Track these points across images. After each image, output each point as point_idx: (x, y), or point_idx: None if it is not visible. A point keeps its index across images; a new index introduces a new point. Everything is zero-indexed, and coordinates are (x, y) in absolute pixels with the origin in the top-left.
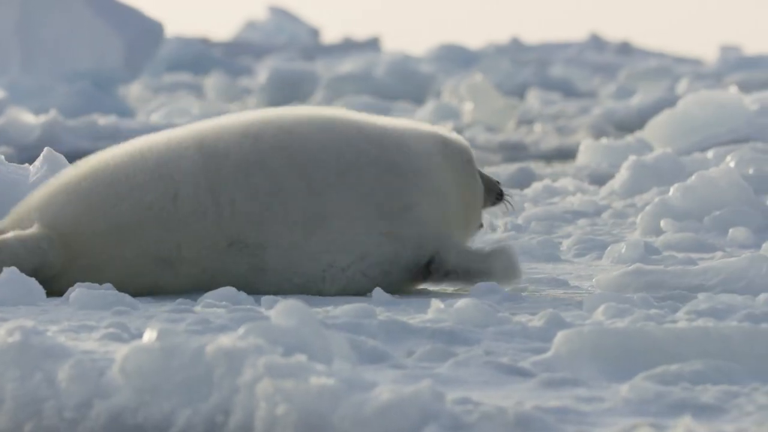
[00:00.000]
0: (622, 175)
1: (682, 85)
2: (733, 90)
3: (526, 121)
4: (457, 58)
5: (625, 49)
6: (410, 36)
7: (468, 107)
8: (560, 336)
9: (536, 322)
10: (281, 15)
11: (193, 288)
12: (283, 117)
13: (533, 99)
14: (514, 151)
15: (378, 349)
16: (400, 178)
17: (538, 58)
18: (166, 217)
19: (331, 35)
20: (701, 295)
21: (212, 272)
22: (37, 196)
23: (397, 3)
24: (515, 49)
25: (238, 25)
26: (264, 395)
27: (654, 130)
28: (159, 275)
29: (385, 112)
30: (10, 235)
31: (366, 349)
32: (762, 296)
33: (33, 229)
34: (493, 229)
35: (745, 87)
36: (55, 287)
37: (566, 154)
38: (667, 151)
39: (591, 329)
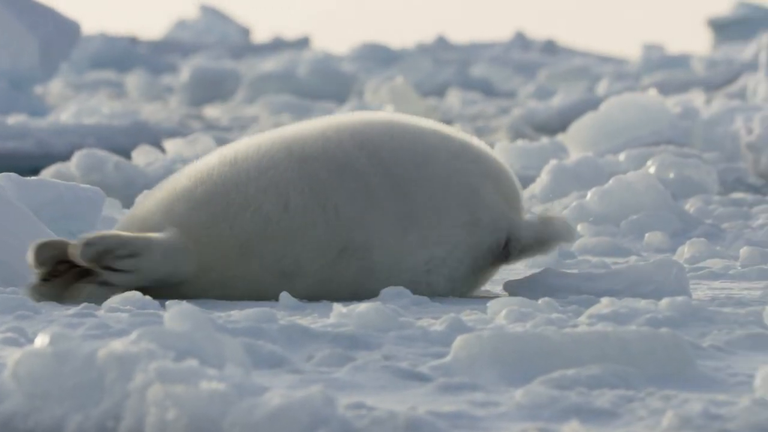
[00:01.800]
0: (543, 179)
1: (602, 86)
2: (652, 92)
3: (446, 122)
4: (379, 58)
5: (550, 47)
6: (341, 35)
7: (389, 109)
8: (459, 340)
9: (438, 326)
10: (212, 14)
11: (308, 298)
12: (353, 119)
13: (453, 99)
14: None
15: (276, 354)
16: (463, 165)
17: (462, 57)
18: (285, 228)
19: (261, 35)
20: (604, 300)
21: (325, 281)
22: (157, 202)
23: (328, 2)
24: (440, 48)
25: (168, 24)
26: (154, 400)
27: (576, 132)
28: (280, 290)
29: (307, 111)
30: (156, 237)
31: (264, 353)
32: (665, 300)
33: (170, 235)
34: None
35: (666, 86)
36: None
37: None
38: (588, 155)
39: (490, 334)
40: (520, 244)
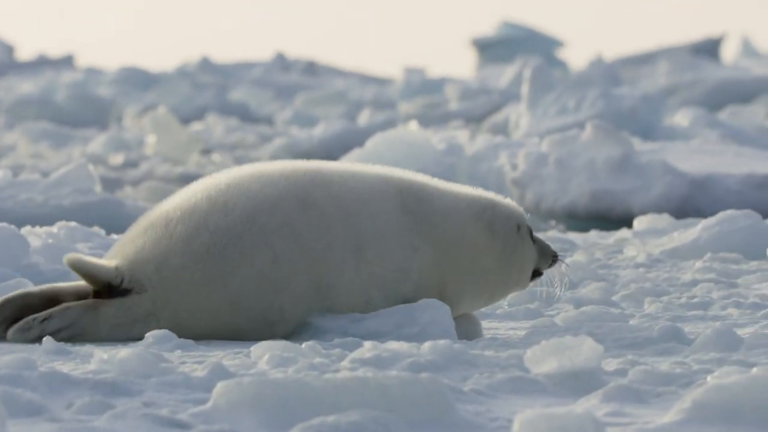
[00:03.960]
0: None
1: (363, 116)
2: (414, 126)
3: (207, 151)
4: (138, 81)
5: (311, 69)
6: (106, 53)
7: (151, 139)
8: (219, 387)
9: (200, 372)
10: None
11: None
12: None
13: (213, 125)
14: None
15: (35, 402)
16: (418, 220)
17: (222, 80)
18: (273, 280)
19: (26, 52)
20: (367, 344)
21: (299, 324)
22: (152, 250)
23: (94, 19)
24: (202, 69)
25: None
26: None
27: None
28: (261, 336)
29: (67, 139)
30: (103, 314)
31: (23, 402)
32: (427, 344)
33: (138, 301)
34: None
35: (427, 118)
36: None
37: None
38: None
39: (251, 380)
40: None
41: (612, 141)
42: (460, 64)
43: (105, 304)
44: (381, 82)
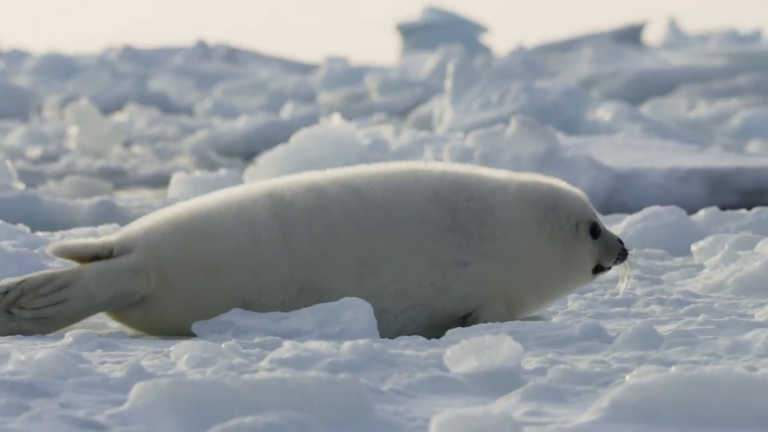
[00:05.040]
0: None
1: (286, 110)
2: (338, 121)
3: (127, 143)
4: (59, 70)
5: (232, 56)
6: (27, 36)
7: (73, 131)
8: (137, 388)
9: (118, 372)
10: None
11: None
12: (355, 175)
13: (133, 116)
14: (118, 177)
15: None
16: (460, 236)
17: (142, 69)
18: (251, 260)
19: None
20: (287, 343)
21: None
22: (144, 222)
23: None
24: (124, 56)
25: None
26: None
27: (268, 164)
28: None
29: None
30: (89, 267)
31: None
32: (347, 344)
33: (124, 258)
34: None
35: (350, 111)
36: (146, 318)
37: (166, 181)
38: None
39: (168, 381)
40: (476, 323)
41: (537, 136)
42: (385, 49)
43: (90, 263)
44: (304, 68)
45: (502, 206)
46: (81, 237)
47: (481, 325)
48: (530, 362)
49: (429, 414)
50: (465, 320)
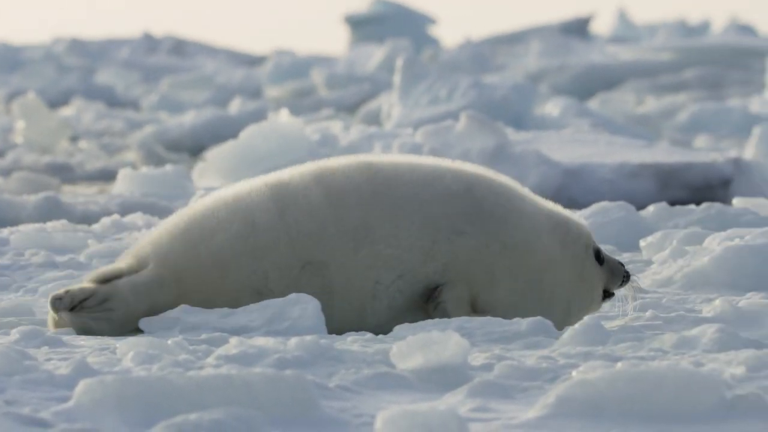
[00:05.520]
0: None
1: (234, 105)
2: (285, 116)
3: (74, 138)
4: (4, 63)
5: (179, 48)
6: None
7: (20, 126)
8: (82, 385)
9: (64, 369)
10: None
11: None
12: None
13: (79, 110)
14: (65, 173)
15: None
16: (470, 205)
17: (88, 61)
18: (252, 245)
19: None
20: (233, 339)
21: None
22: (151, 237)
23: None
24: (71, 49)
25: None
26: None
27: (217, 159)
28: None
29: None
30: (123, 281)
31: None
32: (293, 340)
33: (146, 271)
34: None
35: (298, 107)
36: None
37: (113, 176)
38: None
39: (114, 378)
40: (440, 299)
41: (486, 131)
42: (334, 41)
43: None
44: (251, 61)
45: (523, 200)
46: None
47: (429, 321)
48: (477, 358)
49: (375, 410)
50: (429, 300)
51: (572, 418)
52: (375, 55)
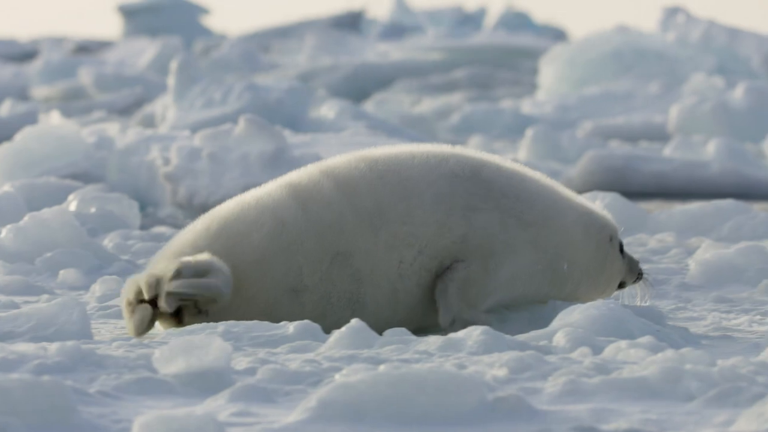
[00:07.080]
0: None
1: (5, 108)
2: (56, 118)
3: None
4: None
5: None
6: None
7: None
8: None
9: None
10: None
11: (316, 319)
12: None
13: None
14: None
15: None
16: (479, 187)
17: None
18: (286, 243)
19: None
20: None
21: (326, 296)
22: (179, 242)
23: None
24: None
25: None
26: None
27: None
28: (290, 307)
29: None
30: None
31: None
32: (54, 345)
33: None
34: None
35: (72, 109)
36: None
37: None
38: (7, 189)
39: None
40: (454, 276)
41: (265, 135)
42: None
43: None
44: (20, 56)
45: (535, 181)
46: None
47: (195, 326)
48: (241, 362)
49: (135, 416)
50: (441, 277)
51: (333, 422)
52: (146, 51)
